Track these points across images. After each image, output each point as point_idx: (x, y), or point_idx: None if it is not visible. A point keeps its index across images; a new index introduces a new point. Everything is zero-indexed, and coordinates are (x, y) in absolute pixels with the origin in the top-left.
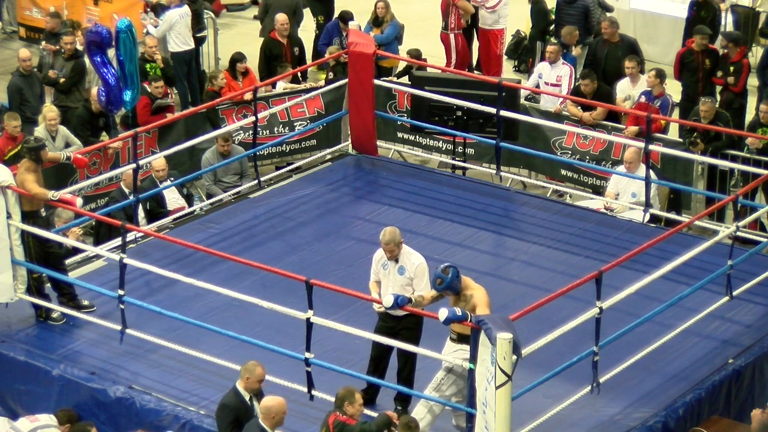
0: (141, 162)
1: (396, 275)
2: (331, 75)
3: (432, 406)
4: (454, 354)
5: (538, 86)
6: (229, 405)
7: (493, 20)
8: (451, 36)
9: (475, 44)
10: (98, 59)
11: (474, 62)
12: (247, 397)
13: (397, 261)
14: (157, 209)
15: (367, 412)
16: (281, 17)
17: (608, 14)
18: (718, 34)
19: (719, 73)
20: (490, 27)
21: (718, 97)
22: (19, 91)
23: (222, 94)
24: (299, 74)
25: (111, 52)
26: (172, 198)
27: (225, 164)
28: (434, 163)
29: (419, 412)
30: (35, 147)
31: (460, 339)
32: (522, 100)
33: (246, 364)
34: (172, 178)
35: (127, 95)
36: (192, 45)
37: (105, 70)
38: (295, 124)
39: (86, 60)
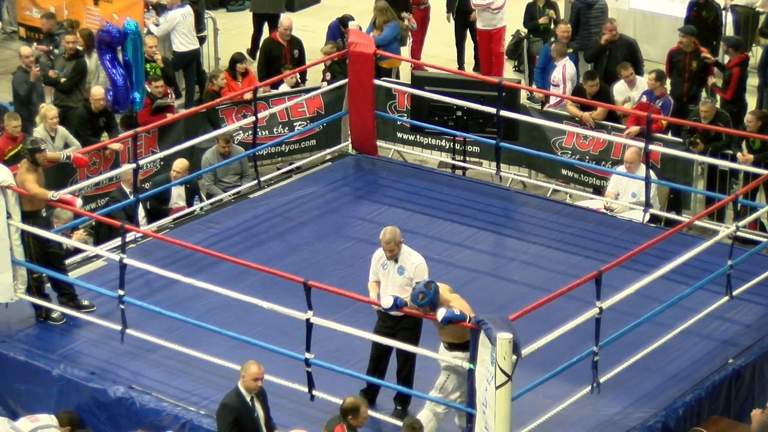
0: (141, 162)
1: (395, 275)
2: (328, 76)
3: (437, 411)
4: (451, 358)
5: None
6: (230, 405)
7: (498, 19)
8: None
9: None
10: (108, 59)
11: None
12: (248, 398)
13: (396, 261)
14: (158, 208)
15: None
16: (286, 21)
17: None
18: (720, 34)
19: (711, 80)
20: (494, 27)
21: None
22: (26, 83)
23: (222, 94)
24: (299, 76)
25: None
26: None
27: (225, 164)
28: (434, 163)
29: (424, 416)
30: (30, 149)
31: (452, 347)
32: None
33: (243, 364)
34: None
35: (137, 95)
36: (196, 45)
37: (114, 70)
38: (294, 124)
39: (87, 60)
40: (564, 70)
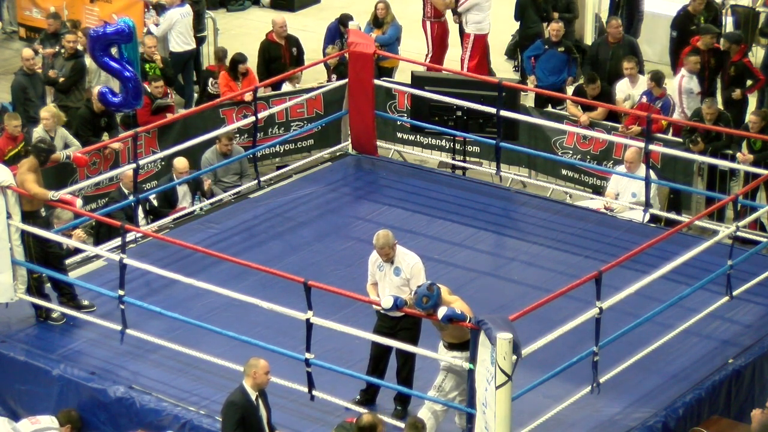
0: (141, 162)
1: (392, 276)
2: (334, 77)
3: (436, 410)
4: (450, 358)
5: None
6: (237, 403)
7: (464, 23)
8: (427, 24)
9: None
10: (108, 59)
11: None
12: (253, 396)
13: (392, 262)
14: (164, 210)
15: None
16: (279, 19)
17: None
18: (720, 35)
19: (736, 92)
20: (466, 31)
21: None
22: (23, 89)
23: (222, 94)
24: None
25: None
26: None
27: (225, 164)
28: (434, 163)
29: (423, 415)
30: (46, 149)
31: (452, 347)
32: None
33: (248, 362)
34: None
35: None
36: (193, 45)
37: (120, 66)
38: (291, 124)
39: (87, 60)
40: (681, 82)
